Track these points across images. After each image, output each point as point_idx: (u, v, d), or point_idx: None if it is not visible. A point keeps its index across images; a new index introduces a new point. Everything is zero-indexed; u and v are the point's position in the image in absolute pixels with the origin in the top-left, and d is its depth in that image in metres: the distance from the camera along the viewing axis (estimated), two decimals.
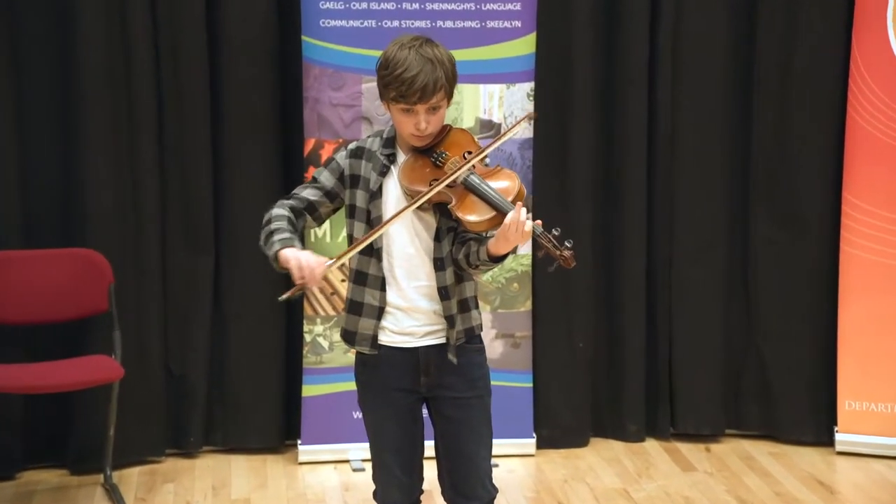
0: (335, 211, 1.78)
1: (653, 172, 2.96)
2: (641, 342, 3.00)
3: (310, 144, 2.73)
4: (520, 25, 2.75)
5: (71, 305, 2.68)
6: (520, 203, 1.64)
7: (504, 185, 1.69)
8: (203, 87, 2.76)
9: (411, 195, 1.70)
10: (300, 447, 2.83)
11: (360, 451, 2.79)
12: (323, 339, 2.78)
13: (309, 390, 2.79)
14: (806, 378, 3.00)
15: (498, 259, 1.67)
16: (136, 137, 2.74)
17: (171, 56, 2.75)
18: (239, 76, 2.77)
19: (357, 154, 1.75)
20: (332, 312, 2.77)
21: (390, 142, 1.74)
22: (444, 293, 1.72)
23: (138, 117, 2.73)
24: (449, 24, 2.72)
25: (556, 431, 2.94)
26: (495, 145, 1.76)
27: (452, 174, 1.67)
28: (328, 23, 2.69)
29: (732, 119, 2.97)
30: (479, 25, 2.74)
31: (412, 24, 2.69)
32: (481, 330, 1.79)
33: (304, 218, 1.74)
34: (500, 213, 1.65)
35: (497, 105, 2.78)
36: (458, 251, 1.72)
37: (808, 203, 2.96)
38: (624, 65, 2.91)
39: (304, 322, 2.79)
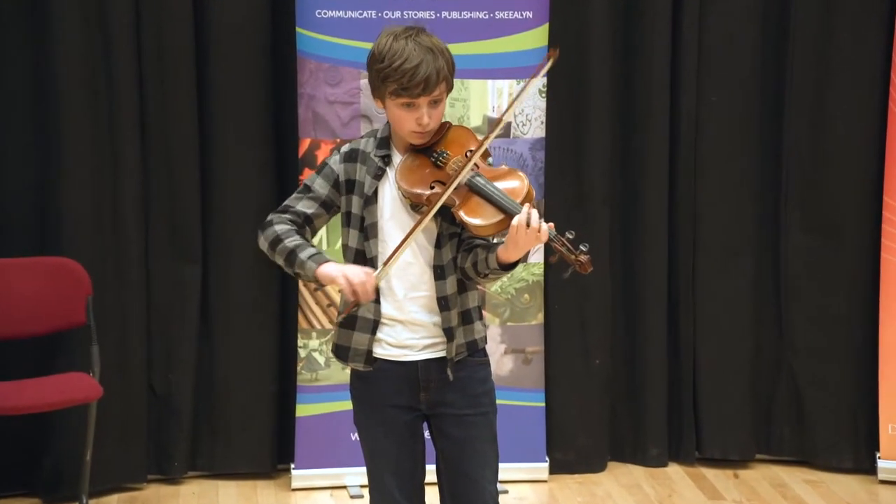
0: (328, 221, 1.76)
1: (675, 175, 2.92)
2: (663, 358, 2.95)
3: (305, 145, 2.70)
4: (531, 16, 2.72)
5: (45, 318, 2.64)
6: (529, 204, 1.61)
7: (511, 185, 1.65)
8: (189, 83, 2.72)
9: (411, 199, 1.66)
10: (293, 472, 2.79)
11: (359, 476, 2.74)
12: (319, 355, 2.75)
13: (303, 410, 2.76)
14: (844, 398, 2.94)
15: (508, 266, 1.64)
16: (117, 136, 2.70)
17: (155, 48, 2.71)
18: (228, 71, 2.73)
19: (351, 157, 1.72)
20: (328, 325, 2.74)
21: (385, 142, 1.71)
22: (443, 304, 1.69)
23: (118, 114, 2.69)
24: (455, 14, 2.70)
25: (570, 455, 2.91)
26: (512, 108, 1.69)
27: (459, 175, 1.63)
28: (324, 13, 2.66)
29: (762, 116, 2.92)
30: (487, 16, 2.70)
31: (415, 14, 2.65)
32: (485, 343, 1.76)
33: (304, 232, 1.73)
34: (509, 215, 1.61)
35: (506, 102, 2.73)
36: (464, 259, 1.69)
37: (844, 208, 2.91)
38: (645, 59, 2.87)
39: (299, 336, 2.76)
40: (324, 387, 2.75)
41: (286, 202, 1.74)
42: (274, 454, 2.84)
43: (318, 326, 2.75)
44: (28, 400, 2.48)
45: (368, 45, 2.75)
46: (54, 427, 2.69)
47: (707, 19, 2.85)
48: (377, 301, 1.68)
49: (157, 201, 2.76)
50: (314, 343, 2.74)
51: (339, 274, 1.61)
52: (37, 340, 2.65)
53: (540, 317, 2.84)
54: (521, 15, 2.71)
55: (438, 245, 1.69)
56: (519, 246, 1.59)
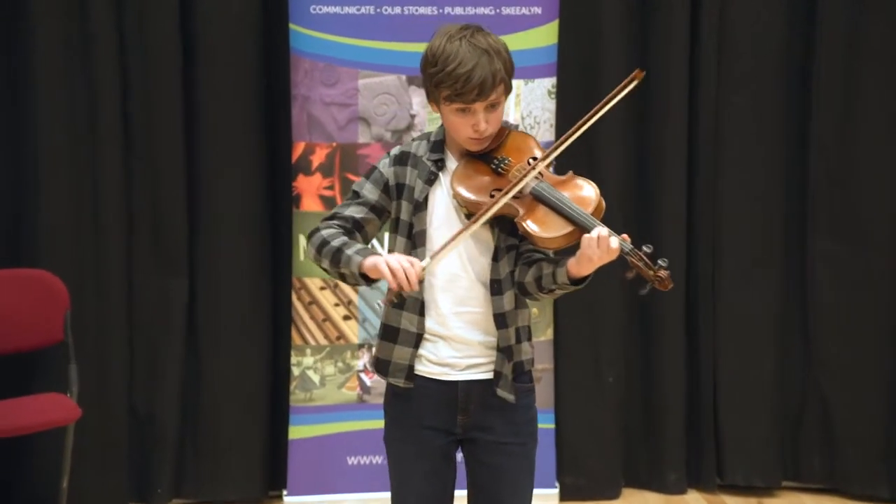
0: (381, 228, 1.74)
1: (693, 179, 2.88)
2: (681, 376, 2.89)
3: (299, 149, 2.69)
4: (540, 12, 2.71)
5: (19, 335, 2.60)
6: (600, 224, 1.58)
7: (580, 194, 1.62)
8: (175, 84, 2.70)
9: (467, 207, 1.64)
10: (286, 499, 2.74)
11: (356, 502, 2.71)
12: (313, 373, 2.72)
13: (296, 432, 2.73)
14: (879, 420, 2.87)
15: (579, 281, 1.61)
16: (97, 140, 2.68)
17: (139, 47, 2.70)
18: (217, 71, 2.72)
19: (401, 160, 1.70)
20: (323, 341, 2.73)
21: (438, 146, 1.69)
22: (501, 321, 1.67)
23: (100, 118, 2.68)
24: (458, 10, 2.69)
25: (582, 480, 2.85)
26: (577, 134, 1.62)
27: (520, 181, 1.60)
28: (319, 9, 2.66)
29: (787, 115, 2.89)
30: (493, 12, 2.69)
31: (416, 10, 2.66)
32: (532, 366, 1.73)
33: (354, 237, 1.70)
34: (578, 227, 1.58)
35: (514, 103, 2.71)
36: (523, 273, 1.66)
37: (876, 212, 2.84)
38: (661, 57, 2.84)
39: (292, 353, 2.73)
40: (318, 407, 2.72)
41: (334, 209, 1.73)
42: (265, 480, 2.81)
43: (313, 342, 2.72)
44: (2, 422, 2.42)
45: (367, 43, 2.67)
46: (28, 452, 2.65)
47: (728, 13, 2.81)
48: (421, 314, 1.66)
49: (141, 209, 2.74)
50: (308, 360, 2.72)
51: (382, 262, 1.58)
52: (10, 359, 2.61)
53: (549, 332, 2.81)
54: (529, 10, 2.70)
55: (496, 258, 1.66)
56: (592, 261, 1.56)
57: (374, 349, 1.72)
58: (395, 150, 1.71)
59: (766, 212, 2.87)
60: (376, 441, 2.73)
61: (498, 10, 2.66)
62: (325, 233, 1.68)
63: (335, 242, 1.65)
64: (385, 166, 1.70)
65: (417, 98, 2.67)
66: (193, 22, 2.67)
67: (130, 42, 2.65)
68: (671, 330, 2.86)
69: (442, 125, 1.69)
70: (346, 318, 2.70)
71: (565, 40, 2.72)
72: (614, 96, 1.64)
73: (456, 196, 1.64)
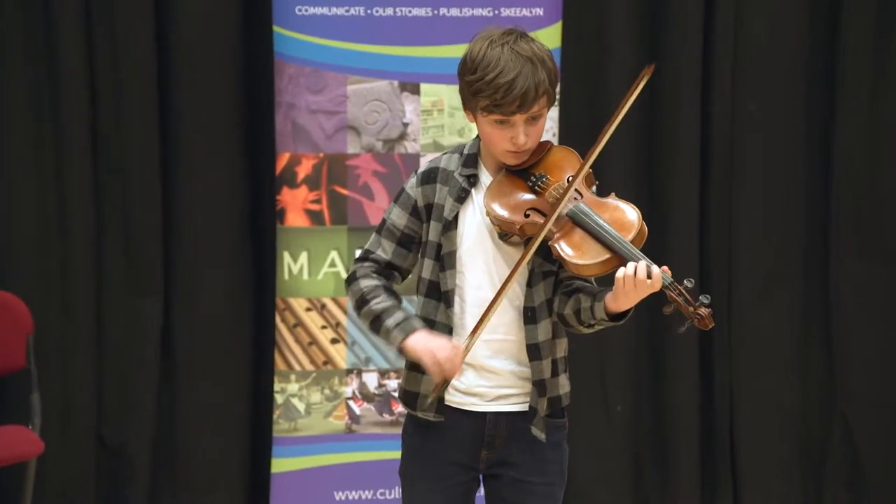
0: (418, 258, 1.72)
1: (707, 193, 2.83)
2: (695, 404, 2.84)
3: (283, 160, 2.64)
4: (542, 14, 2.67)
5: None
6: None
7: (621, 218, 1.60)
8: (148, 90, 2.66)
9: (500, 225, 1.62)
10: None
11: None
12: (298, 401, 2.67)
13: (280, 465, 2.67)
14: None
15: (619, 317, 1.59)
16: (63, 150, 2.64)
17: (110, 50, 2.65)
18: (194, 76, 2.66)
19: (429, 178, 1.67)
20: (308, 367, 2.66)
21: (472, 160, 1.67)
22: (534, 351, 1.64)
23: (66, 127, 2.64)
24: (454, 11, 2.65)
25: None
26: (606, 138, 1.61)
27: (560, 203, 1.58)
28: (305, 10, 2.60)
29: (808, 124, 2.84)
30: (491, 13, 2.64)
31: (409, 11, 2.61)
32: (568, 401, 1.71)
33: (393, 280, 1.70)
34: (616, 254, 1.56)
35: None
36: (563, 304, 1.64)
37: None
38: (672, 63, 2.78)
39: (275, 379, 2.67)
40: (304, 438, 2.67)
41: (367, 245, 1.71)
42: None
43: (298, 368, 2.66)
44: None
45: (357, 47, 2.71)
46: None
47: (744, 13, 2.77)
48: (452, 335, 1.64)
49: (111, 224, 2.70)
50: (293, 387, 2.66)
51: (425, 350, 1.59)
52: None
53: None
54: (531, 12, 2.66)
55: (530, 284, 1.64)
56: (629, 296, 1.54)
57: (400, 380, 1.70)
58: (422, 168, 1.69)
59: (785, 227, 2.84)
60: (366, 475, 2.68)
61: (496, 12, 2.63)
62: (363, 285, 1.65)
63: (374, 305, 1.63)
64: (412, 187, 1.67)
65: (410, 105, 2.64)
66: (168, 23, 2.64)
67: (99, 43, 2.61)
68: (683, 354, 2.81)
69: (476, 137, 1.66)
70: (333, 341, 2.65)
71: (569, 44, 2.69)
72: (629, 97, 1.59)
73: (488, 213, 1.61)
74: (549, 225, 1.56)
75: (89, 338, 2.64)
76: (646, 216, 2.75)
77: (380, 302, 1.63)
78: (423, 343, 1.58)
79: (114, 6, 2.61)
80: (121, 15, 2.61)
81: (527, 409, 1.64)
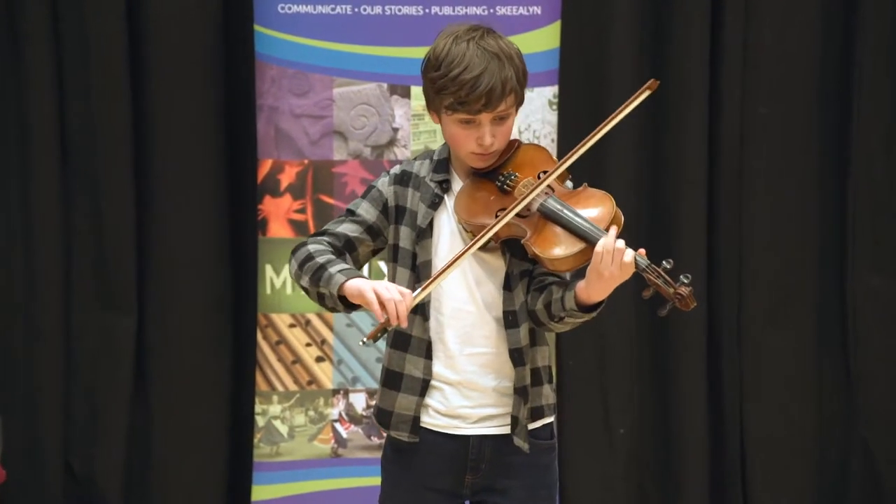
0: (375, 253, 1.72)
1: (715, 203, 2.79)
2: (703, 428, 2.80)
3: (265, 167, 2.63)
4: (539, 12, 2.65)
5: None
6: (615, 228, 1.55)
7: (594, 210, 1.59)
8: (122, 92, 2.63)
9: (473, 231, 1.62)
10: None
11: None
12: (281, 423, 2.65)
13: (261, 493, 2.65)
14: None
15: (591, 308, 1.57)
16: (29, 156, 2.63)
17: (79, 49, 2.62)
18: (170, 78, 2.65)
19: (402, 180, 1.68)
20: (292, 387, 2.64)
21: (442, 165, 1.68)
22: (517, 357, 1.63)
23: (33, 130, 2.62)
24: (447, 9, 2.63)
25: None
26: (589, 144, 1.62)
27: (524, 198, 1.58)
28: (288, 8, 2.59)
29: (823, 130, 2.81)
30: (485, 12, 2.63)
31: (398, 10, 2.60)
32: (553, 413, 1.69)
33: (344, 258, 1.67)
34: (590, 244, 1.55)
35: None
36: (534, 300, 1.63)
37: None
38: (677, 63, 2.75)
39: (256, 401, 2.64)
40: (286, 463, 2.65)
41: (325, 226, 1.70)
42: None
43: (281, 388, 2.64)
44: None
45: (343, 48, 2.70)
46: None
47: (754, 11, 2.73)
48: (428, 357, 1.63)
49: (80, 234, 2.66)
50: (275, 409, 2.64)
51: (368, 288, 1.56)
52: None
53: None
54: (528, 10, 2.64)
55: (508, 287, 1.63)
56: (603, 278, 1.51)
57: (375, 397, 1.70)
58: (395, 169, 1.70)
59: (798, 241, 2.80)
60: (353, 502, 2.63)
61: (492, 10, 2.61)
62: (311, 247, 1.64)
63: (320, 258, 1.61)
64: (384, 185, 1.68)
65: (400, 109, 2.62)
66: (142, 21, 2.61)
67: (69, 41, 2.58)
68: (691, 375, 2.77)
69: (446, 142, 1.66)
70: (319, 359, 2.63)
71: (569, 44, 2.66)
72: (626, 107, 1.60)
73: (460, 220, 1.62)
74: (515, 210, 1.54)
75: (56, 357, 2.62)
76: (651, 229, 2.77)
77: (325, 257, 1.60)
78: (367, 283, 1.55)
79: (84, 4, 2.57)
80: (91, 12, 2.57)
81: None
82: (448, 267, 1.55)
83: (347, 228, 1.65)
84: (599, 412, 2.75)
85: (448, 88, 1.56)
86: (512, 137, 1.65)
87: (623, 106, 1.57)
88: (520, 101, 1.61)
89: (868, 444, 2.78)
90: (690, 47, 2.72)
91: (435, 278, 1.55)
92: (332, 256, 1.62)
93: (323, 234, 1.67)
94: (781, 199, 2.79)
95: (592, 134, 1.56)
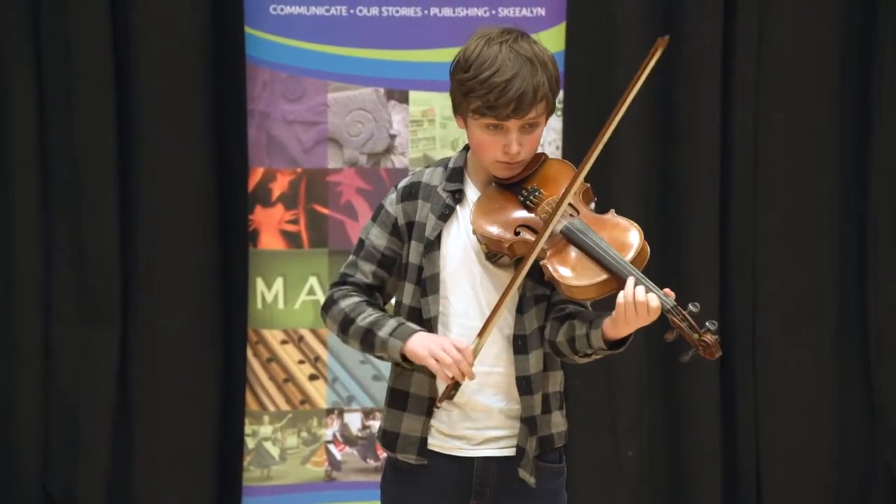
0: (401, 278, 1.71)
1: (727, 211, 2.77)
2: (716, 452, 2.77)
3: (256, 176, 2.62)
4: (543, 14, 2.65)
5: None
6: (632, 279, 1.53)
7: (620, 236, 1.58)
8: (105, 97, 2.62)
9: (488, 244, 1.60)
10: None
11: None
12: (272, 445, 2.63)
13: None
14: None
15: (617, 345, 1.57)
16: (7, 164, 2.61)
17: (61, 51, 2.61)
18: (156, 82, 2.63)
19: (410, 194, 1.66)
20: (284, 406, 2.62)
21: (457, 174, 1.66)
22: (524, 385, 1.62)
23: (11, 138, 2.61)
24: (447, 10, 2.63)
25: None
26: (612, 127, 1.59)
27: (553, 219, 1.56)
28: (281, 9, 2.59)
29: (841, 135, 2.79)
30: (487, 13, 2.62)
31: (396, 11, 2.58)
32: (564, 441, 1.68)
33: (376, 300, 1.69)
34: (613, 276, 1.54)
35: None
36: (555, 332, 1.62)
37: None
38: (688, 66, 2.74)
39: (246, 421, 2.63)
40: (278, 487, 2.64)
41: (342, 269, 1.70)
42: None
43: (272, 408, 2.62)
44: None
45: (338, 50, 2.70)
46: None
47: (768, 14, 2.71)
48: (433, 375, 1.61)
49: (62, 248, 2.65)
50: (266, 430, 2.63)
51: (427, 353, 1.58)
52: None
53: None
54: (532, 12, 2.65)
55: (521, 310, 1.62)
56: (630, 323, 1.52)
57: (380, 418, 1.70)
58: (403, 182, 1.68)
59: (816, 251, 2.78)
60: None
61: (494, 11, 2.60)
62: (343, 304, 1.64)
63: (361, 321, 1.62)
64: (392, 203, 1.66)
65: (398, 115, 2.61)
66: (127, 22, 2.60)
67: (50, 43, 2.56)
68: (703, 392, 2.75)
69: (462, 149, 1.66)
70: (312, 377, 2.61)
71: (574, 47, 2.65)
72: (641, 74, 1.57)
73: (475, 230, 1.59)
74: (542, 243, 1.54)
75: (34, 375, 2.61)
76: (661, 241, 2.72)
77: (367, 317, 1.61)
78: (426, 345, 1.56)
79: (66, 5, 2.55)
80: (73, 12, 2.55)
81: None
82: (498, 306, 1.55)
83: (364, 273, 1.65)
84: (606, 434, 2.74)
85: (476, 91, 1.55)
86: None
87: (638, 73, 1.56)
88: (551, 110, 1.60)
89: (890, 467, 2.75)
90: (701, 51, 2.69)
91: (488, 322, 1.55)
92: (370, 311, 1.62)
93: (344, 281, 1.66)
94: (798, 211, 2.77)
95: (613, 115, 1.54)
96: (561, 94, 2.62)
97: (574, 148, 2.65)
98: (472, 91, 1.56)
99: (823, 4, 2.72)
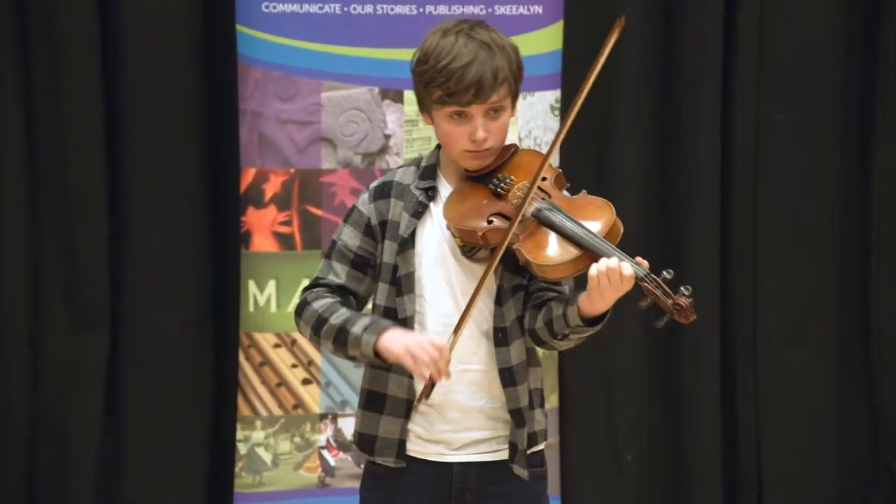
0: (376, 279, 1.71)
1: (728, 213, 2.78)
2: (716, 454, 2.77)
3: (248, 177, 2.61)
4: (541, 11, 2.65)
5: None
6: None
7: (591, 212, 1.59)
8: (94, 96, 2.60)
9: (462, 237, 1.61)
10: None
11: None
12: (264, 451, 2.62)
13: None
14: None
15: (593, 321, 1.57)
16: None
17: (48, 50, 2.59)
18: (145, 81, 2.61)
19: (382, 193, 1.67)
20: (277, 411, 2.60)
21: (430, 171, 1.67)
22: (508, 377, 1.62)
23: None
24: (442, 8, 2.62)
25: None
26: (575, 110, 1.61)
27: (524, 202, 1.57)
28: (273, 7, 2.58)
29: (844, 136, 2.79)
30: (483, 11, 2.62)
31: (391, 9, 2.59)
32: (545, 439, 1.69)
33: (349, 303, 1.68)
34: (588, 251, 1.55)
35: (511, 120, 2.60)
36: (533, 319, 1.62)
37: None
38: (688, 67, 2.74)
39: (238, 427, 2.61)
40: (270, 494, 2.62)
41: (317, 273, 1.70)
42: None
43: (264, 413, 2.60)
44: None
45: (332, 49, 2.68)
46: None
47: (769, 14, 2.71)
48: (411, 375, 1.61)
49: (49, 253, 2.64)
50: (258, 435, 2.61)
51: (403, 350, 1.56)
52: None
53: (554, 399, 2.69)
54: (528, 10, 2.64)
55: (499, 301, 1.62)
56: (604, 293, 1.51)
57: (356, 421, 1.69)
58: (375, 183, 1.69)
59: (817, 249, 2.78)
60: None
61: (490, 10, 2.60)
62: (316, 305, 1.63)
63: (334, 320, 1.61)
64: (364, 203, 1.67)
65: (393, 115, 2.60)
66: (115, 20, 2.58)
67: (37, 42, 2.55)
68: (703, 393, 2.75)
69: (435, 148, 1.67)
70: (305, 381, 2.60)
71: (571, 45, 2.63)
72: (600, 57, 1.62)
73: (448, 224, 1.60)
74: (514, 227, 1.55)
75: (21, 382, 2.60)
76: (661, 241, 2.72)
77: (339, 316, 1.60)
78: (402, 341, 1.55)
79: (52, 3, 2.53)
80: (60, 10, 2.53)
81: (500, 459, 1.61)
82: (473, 297, 1.55)
83: (337, 275, 1.65)
84: (605, 437, 2.73)
85: (436, 80, 1.57)
86: (510, 143, 1.64)
87: (596, 58, 1.60)
88: (514, 95, 1.61)
89: (894, 472, 2.76)
90: (701, 49, 2.69)
91: (463, 316, 1.55)
92: (343, 310, 1.61)
93: (316, 285, 1.66)
94: (799, 212, 2.78)
95: (570, 110, 1.57)
96: (558, 93, 2.62)
97: (571, 146, 2.59)
98: (431, 81, 1.57)
99: (824, 4, 2.72)
